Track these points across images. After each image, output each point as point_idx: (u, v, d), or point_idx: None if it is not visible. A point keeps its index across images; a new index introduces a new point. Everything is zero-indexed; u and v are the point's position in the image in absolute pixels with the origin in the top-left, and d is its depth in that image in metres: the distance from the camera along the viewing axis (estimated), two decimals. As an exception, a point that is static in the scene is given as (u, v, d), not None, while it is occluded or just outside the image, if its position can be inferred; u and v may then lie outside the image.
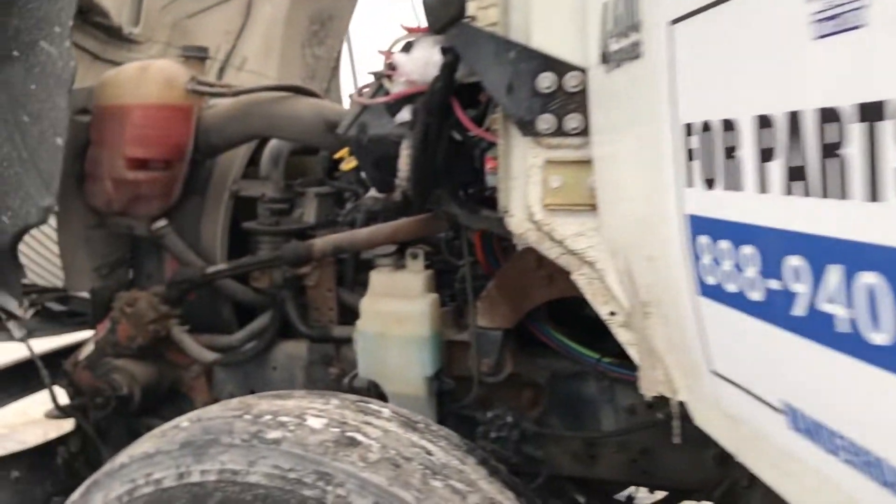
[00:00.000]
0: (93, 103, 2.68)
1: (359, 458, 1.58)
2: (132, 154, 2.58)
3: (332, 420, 1.70)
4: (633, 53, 1.26)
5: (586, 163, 1.58)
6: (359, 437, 1.65)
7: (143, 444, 1.75)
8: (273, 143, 2.95)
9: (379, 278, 2.45)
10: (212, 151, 2.75)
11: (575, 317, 2.33)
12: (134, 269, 3.05)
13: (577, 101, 1.56)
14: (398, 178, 1.84)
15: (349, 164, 2.44)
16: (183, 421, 1.81)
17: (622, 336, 1.60)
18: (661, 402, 2.35)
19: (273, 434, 1.64)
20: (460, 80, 1.73)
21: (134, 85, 2.56)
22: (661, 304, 1.31)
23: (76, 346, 3.08)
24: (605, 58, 1.41)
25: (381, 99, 1.85)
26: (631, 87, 1.29)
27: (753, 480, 2.25)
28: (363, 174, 2.47)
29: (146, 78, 2.56)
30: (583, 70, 1.55)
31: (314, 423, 1.68)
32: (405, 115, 1.84)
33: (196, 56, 2.84)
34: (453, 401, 2.49)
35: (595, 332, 2.33)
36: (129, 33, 3.62)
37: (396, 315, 2.36)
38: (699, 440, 2.43)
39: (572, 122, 1.57)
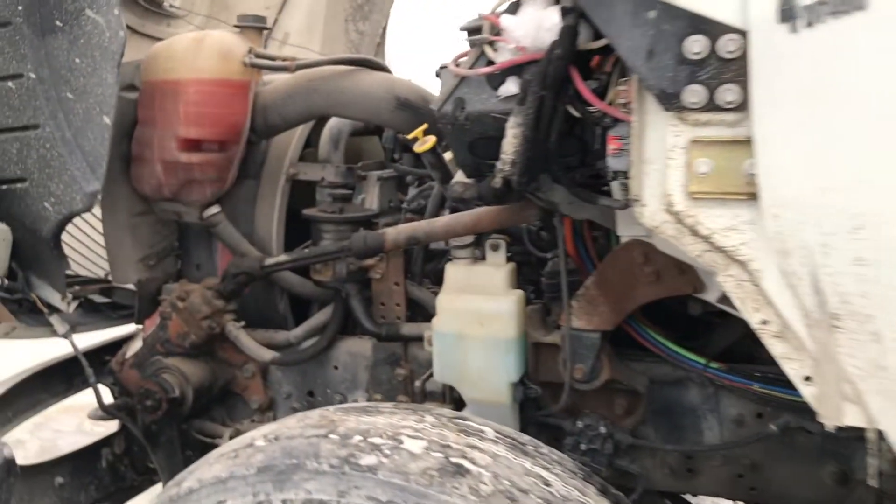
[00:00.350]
0: (141, 78, 2.45)
1: (469, 490, 1.35)
2: (186, 134, 2.35)
3: (433, 442, 1.47)
4: (847, 6, 0.99)
5: (743, 143, 1.32)
6: (466, 463, 1.42)
7: (214, 466, 1.53)
8: (333, 123, 2.71)
9: (456, 272, 2.21)
10: (269, 131, 2.52)
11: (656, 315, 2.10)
12: (182, 259, 2.84)
13: (735, 69, 1.30)
14: (501, 161, 1.60)
15: (424, 145, 2.19)
16: (258, 439, 1.59)
17: (776, 348, 1.35)
18: (775, 412, 2.14)
19: (366, 459, 1.41)
20: (582, 47, 1.48)
21: (189, 58, 2.32)
22: (870, 319, 1.05)
23: (121, 342, 2.88)
24: (788, 14, 1.15)
25: (484, 69, 1.60)
26: (840, 48, 1.02)
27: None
28: (428, 158, 2.22)
29: (202, 50, 2.33)
30: (742, 32, 1.28)
31: (412, 445, 1.45)
32: (511, 87, 1.59)
33: (253, 26, 2.60)
34: (537, 408, 2.26)
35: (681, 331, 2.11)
36: (170, 5, 3.38)
37: (478, 314, 2.12)
38: (815, 455, 2.23)
39: (727, 94, 1.31)
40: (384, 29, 4.59)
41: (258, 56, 2.37)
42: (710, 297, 1.93)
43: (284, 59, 2.36)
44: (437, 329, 2.18)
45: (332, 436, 1.50)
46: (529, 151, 1.53)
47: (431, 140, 2.19)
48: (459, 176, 1.92)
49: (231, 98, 2.38)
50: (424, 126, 2.20)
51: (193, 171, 2.42)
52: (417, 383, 2.33)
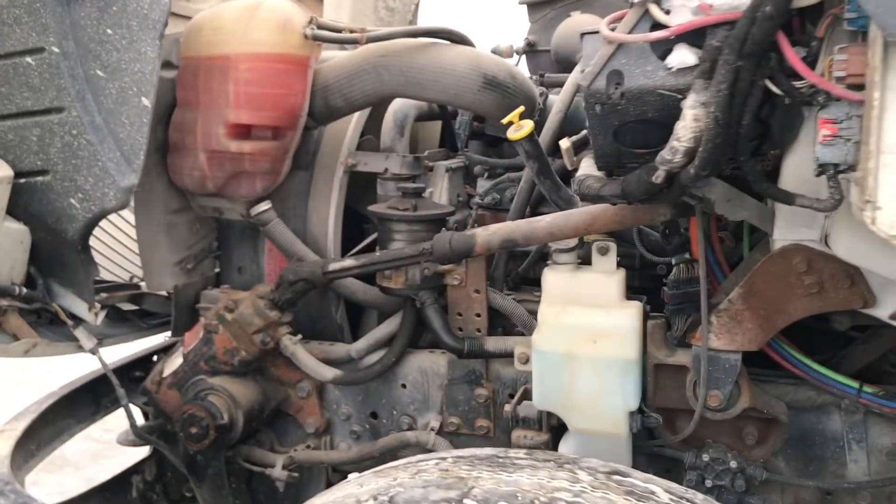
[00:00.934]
0: (181, 54, 2.10)
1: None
2: (236, 119, 2.01)
3: (603, 512, 1.14)
4: None
5: None
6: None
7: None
8: (397, 105, 2.38)
9: (557, 280, 1.89)
10: (330, 115, 2.18)
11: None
12: (221, 261, 2.50)
13: None
14: (670, 151, 1.27)
15: (521, 131, 1.86)
16: (363, 495, 1.26)
17: None
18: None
19: (528, 540, 1.08)
20: (796, 4, 1.15)
21: (240, 29, 1.98)
22: None
23: (151, 356, 2.55)
24: None
25: (656, 34, 1.26)
26: None
27: None
28: (525, 146, 1.89)
29: (256, 20, 1.98)
30: None
31: (581, 519, 1.13)
32: (686, 57, 1.26)
33: (313, -7, 2.26)
34: (649, 436, 1.95)
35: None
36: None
37: (591, 329, 1.81)
38: None
39: None
40: (416, 6, 4.24)
41: (321, 27, 2.02)
42: (882, 312, 1.62)
43: (351, 30, 2.01)
44: (538, 346, 1.86)
45: (467, 501, 1.18)
46: (719, 138, 1.20)
47: (529, 125, 1.87)
48: (587, 168, 1.59)
49: (289, 76, 2.03)
50: (521, 109, 1.87)
51: (244, 162, 2.08)
52: (508, 408, 2.01)
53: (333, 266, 2.08)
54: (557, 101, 2.22)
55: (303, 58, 2.05)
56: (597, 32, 1.37)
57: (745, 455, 1.89)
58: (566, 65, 2.87)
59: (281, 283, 2.13)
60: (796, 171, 1.40)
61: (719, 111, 1.19)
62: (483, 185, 2.44)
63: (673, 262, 1.86)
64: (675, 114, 1.32)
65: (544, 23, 3.10)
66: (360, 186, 2.46)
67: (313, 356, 2.21)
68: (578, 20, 2.95)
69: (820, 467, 1.91)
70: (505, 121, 1.87)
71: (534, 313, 2.20)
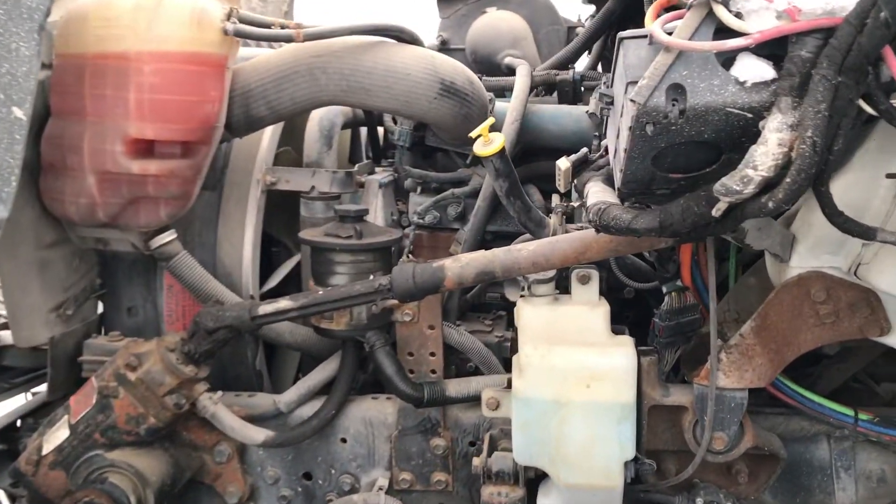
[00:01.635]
0: (55, 50, 1.66)
1: None
2: (139, 133, 1.62)
3: None
4: None
5: None
6: None
7: None
8: (322, 112, 2.05)
9: (536, 314, 1.66)
10: (251, 126, 1.83)
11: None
12: (106, 301, 2.07)
13: None
14: (741, 180, 1.06)
15: (492, 146, 1.61)
16: None
17: None
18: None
19: None
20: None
21: (143, 21, 1.57)
22: None
23: (15, 423, 2.07)
24: None
25: (736, 42, 1.04)
26: None
27: None
28: (495, 164, 1.64)
29: (163, 10, 1.58)
30: None
31: None
32: (762, 70, 1.06)
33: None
34: (635, 480, 1.76)
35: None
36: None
37: (586, 371, 1.59)
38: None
39: None
40: (291, -3, 3.88)
41: (243, 21, 1.66)
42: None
43: (282, 26, 1.66)
44: (522, 393, 1.62)
45: None
46: (814, 167, 1.01)
47: (501, 140, 1.62)
48: (599, 193, 1.36)
49: (204, 80, 1.66)
50: (491, 120, 1.62)
51: (146, 186, 1.69)
52: (477, 461, 1.75)
53: (265, 309, 1.73)
54: (510, 108, 1.99)
55: (220, 57, 1.68)
56: (642, 37, 1.14)
57: (736, 493, 1.75)
58: (485, 66, 2.64)
59: (197, 331, 1.75)
60: (842, 196, 1.24)
61: (818, 135, 1.00)
62: (418, 200, 2.15)
63: (664, 289, 1.67)
64: (737, 136, 1.11)
65: (457, 19, 2.85)
66: (272, 205, 2.11)
67: (237, 415, 1.85)
68: (496, 17, 2.73)
69: (807, 498, 1.82)
70: (474, 134, 1.60)
71: (489, 345, 1.97)
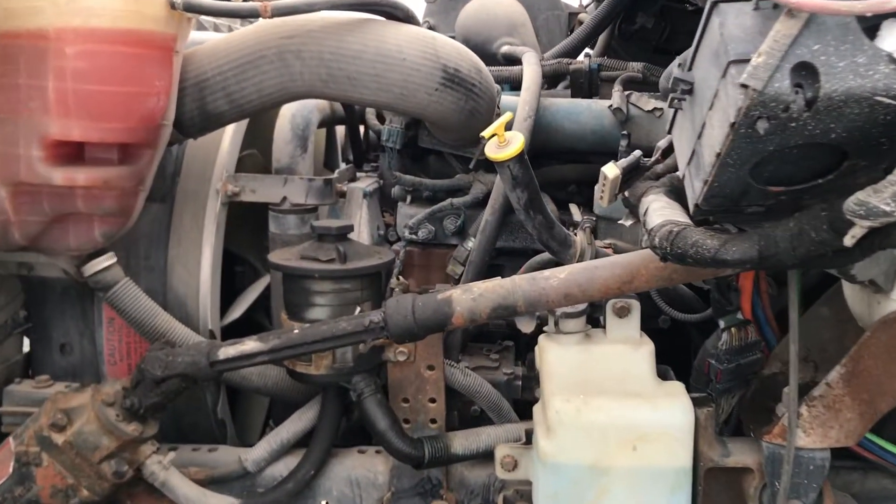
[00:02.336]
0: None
1: None
2: (63, 133, 1.26)
3: None
4: None
5: None
6: None
7: None
8: (295, 108, 1.71)
9: (564, 356, 1.35)
10: (207, 125, 1.48)
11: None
12: (32, 337, 1.71)
13: None
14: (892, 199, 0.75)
15: (510, 148, 1.28)
16: None
17: None
18: None
19: None
20: None
21: (64, -11, 1.22)
22: None
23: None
24: None
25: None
26: None
27: None
28: (512, 169, 1.32)
29: (91, -24, 1.23)
30: None
31: None
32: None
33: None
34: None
35: None
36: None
37: (632, 430, 1.28)
38: None
39: None
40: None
41: (196, -9, 1.31)
42: None
43: (246, -1, 1.32)
44: (551, 457, 1.31)
45: None
46: None
47: (520, 141, 1.30)
48: (664, 210, 1.04)
49: (146, 66, 1.31)
50: (508, 117, 1.30)
51: (75, 200, 1.34)
52: (491, 534, 1.43)
53: (227, 352, 1.38)
54: (521, 102, 1.67)
55: (166, 38, 1.33)
56: (745, -1, 0.82)
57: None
58: (479, 55, 2.30)
59: (142, 380, 1.40)
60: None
61: None
62: (408, 212, 1.82)
63: (722, 324, 1.36)
64: (876, 135, 0.81)
65: (444, 3, 2.52)
66: (232, 216, 1.76)
67: (194, 479, 1.50)
68: (489, 0, 2.40)
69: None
70: (487, 133, 1.28)
71: (496, 385, 1.65)
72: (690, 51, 0.93)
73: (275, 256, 1.52)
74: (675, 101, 0.97)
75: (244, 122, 1.71)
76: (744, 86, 0.77)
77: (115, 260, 1.49)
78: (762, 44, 0.78)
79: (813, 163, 0.89)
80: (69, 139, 1.27)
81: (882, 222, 0.79)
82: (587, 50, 2.46)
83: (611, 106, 1.76)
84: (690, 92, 0.94)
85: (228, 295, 1.80)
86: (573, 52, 2.26)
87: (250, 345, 1.39)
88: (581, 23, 2.56)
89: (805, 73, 0.77)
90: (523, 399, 1.72)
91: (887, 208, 0.78)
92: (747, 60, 0.79)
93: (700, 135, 0.92)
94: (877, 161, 0.86)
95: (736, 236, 0.94)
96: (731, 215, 0.99)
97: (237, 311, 1.76)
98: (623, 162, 1.16)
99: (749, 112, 0.79)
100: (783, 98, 0.77)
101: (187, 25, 1.39)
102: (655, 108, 1.75)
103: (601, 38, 2.41)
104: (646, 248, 1.14)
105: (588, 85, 1.93)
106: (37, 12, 1.22)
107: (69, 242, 1.40)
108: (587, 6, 2.63)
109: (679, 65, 0.94)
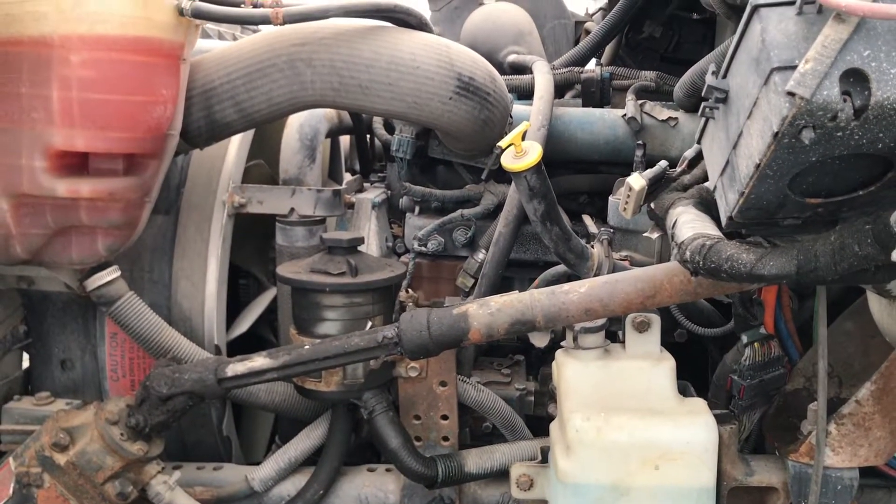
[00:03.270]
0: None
1: None
2: (67, 144, 1.23)
3: None
4: None
5: None
6: None
7: None
8: (304, 118, 1.67)
9: (584, 372, 1.31)
10: (214, 135, 1.45)
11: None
12: (32, 352, 1.67)
13: None
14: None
15: (526, 160, 1.25)
16: None
17: None
18: None
19: None
20: None
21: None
22: None
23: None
24: None
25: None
26: None
27: None
28: (529, 180, 1.28)
29: (97, -18, 1.19)
30: None
31: None
32: None
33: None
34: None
35: None
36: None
37: (654, 449, 1.24)
38: None
39: None
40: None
41: (205, -2, 1.28)
42: None
43: (255, 4, 1.28)
44: (571, 477, 1.27)
45: None
46: None
47: (538, 151, 1.27)
48: (700, 226, 1.01)
49: (153, 74, 1.27)
50: (526, 126, 1.27)
51: (78, 212, 1.30)
52: (508, 555, 1.39)
53: (235, 369, 1.34)
54: (534, 111, 1.63)
55: (173, 45, 1.29)
56: (787, 3, 0.79)
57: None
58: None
59: (147, 397, 1.36)
60: None
61: None
62: (417, 223, 1.78)
63: (744, 339, 1.33)
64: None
65: (449, 12, 2.49)
66: (237, 228, 1.72)
67: (199, 499, 1.46)
68: (495, 8, 2.37)
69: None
70: (504, 143, 1.25)
71: (509, 400, 1.61)
72: (726, 58, 0.90)
73: (284, 270, 1.48)
74: (709, 109, 0.93)
75: (251, 132, 1.67)
76: (790, 94, 0.74)
77: (118, 274, 1.45)
78: (808, 50, 0.75)
79: (855, 174, 0.85)
80: (73, 149, 1.24)
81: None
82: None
83: (624, 115, 1.73)
84: (725, 100, 0.90)
85: (232, 308, 1.76)
86: (581, 62, 2.23)
87: (259, 361, 1.35)
88: (588, 31, 2.54)
89: (854, 80, 0.74)
90: (535, 415, 1.69)
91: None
92: (793, 67, 0.75)
93: (736, 144, 0.89)
94: (921, 172, 0.83)
95: (773, 250, 0.91)
96: (765, 228, 0.95)
97: (243, 326, 1.72)
98: (649, 173, 1.12)
99: (795, 121, 0.76)
100: (832, 107, 0.74)
101: (195, 33, 1.36)
102: (670, 118, 1.72)
103: (608, 48, 2.38)
104: (674, 261, 1.10)
105: (600, 94, 1.90)
106: (39, 18, 1.18)
107: (72, 256, 1.36)
108: (594, 15, 2.60)
109: (713, 73, 0.91)
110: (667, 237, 1.11)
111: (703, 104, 0.93)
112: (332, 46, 1.34)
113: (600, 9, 2.50)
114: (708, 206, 1.06)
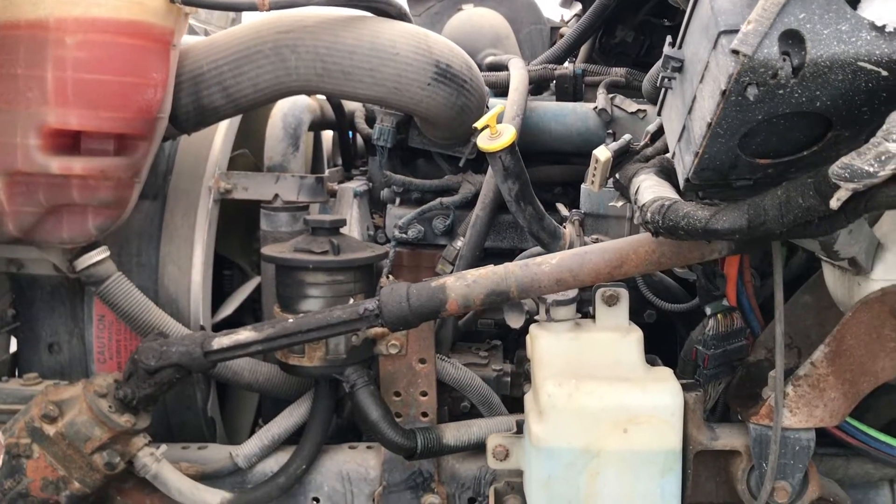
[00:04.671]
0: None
1: None
2: (60, 122, 1.28)
3: None
4: None
5: None
6: None
7: None
8: (287, 106, 1.74)
9: (556, 343, 1.37)
10: (202, 119, 1.50)
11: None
12: (20, 335, 1.70)
13: None
14: (878, 159, 0.80)
15: (500, 140, 1.32)
16: None
17: None
18: None
19: None
20: None
21: (65, -21, 1.24)
22: None
23: None
24: None
25: (877, -31, 0.78)
26: None
27: None
28: (504, 160, 1.35)
29: (92, -33, 1.26)
30: None
31: None
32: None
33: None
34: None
35: None
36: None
37: (623, 413, 1.30)
38: None
39: None
40: None
41: (195, -16, 1.34)
42: None
43: (245, -8, 1.35)
44: (543, 441, 1.32)
45: None
46: None
47: (512, 132, 1.34)
48: (660, 189, 1.08)
49: (144, 57, 1.33)
50: (500, 109, 1.34)
51: (70, 190, 1.35)
52: (484, 524, 1.44)
53: (221, 342, 1.39)
54: (509, 102, 1.71)
55: (164, 31, 1.35)
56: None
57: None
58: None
59: (135, 371, 1.40)
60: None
61: None
62: (398, 213, 1.85)
63: (708, 310, 1.40)
64: (858, 103, 0.85)
65: (429, 16, 2.58)
66: (222, 218, 1.78)
67: (185, 473, 1.50)
68: (474, 14, 2.46)
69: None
70: (480, 124, 1.31)
71: (486, 380, 1.67)
72: (681, 29, 0.97)
73: (269, 250, 1.53)
74: (666, 80, 1.00)
75: (236, 121, 1.73)
76: (734, 52, 0.81)
77: (108, 254, 1.50)
78: (751, 13, 0.82)
79: (799, 134, 0.93)
80: (67, 128, 1.29)
81: (866, 184, 0.83)
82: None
83: (595, 108, 1.81)
84: (681, 69, 0.98)
85: (216, 298, 1.81)
86: (556, 62, 2.31)
87: (245, 334, 1.40)
88: (563, 37, 2.62)
89: (792, 40, 0.82)
90: (511, 396, 1.75)
91: (870, 169, 0.82)
92: (737, 30, 0.83)
93: (691, 109, 0.96)
94: (858, 131, 0.90)
95: (726, 207, 0.98)
96: (720, 189, 1.02)
97: (228, 310, 1.77)
98: (614, 145, 1.20)
99: (740, 78, 0.83)
100: (772, 64, 0.81)
101: (185, 20, 1.42)
102: (639, 110, 1.80)
103: (582, 51, 2.47)
104: (639, 234, 1.17)
105: (573, 90, 1.98)
106: (36, 2, 1.24)
107: (63, 234, 1.41)
108: (569, 21, 2.69)
109: (669, 44, 0.98)
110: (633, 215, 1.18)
111: (660, 75, 1.01)
112: (316, 34, 1.41)
113: (575, 15, 2.59)
114: (668, 173, 1.14)
